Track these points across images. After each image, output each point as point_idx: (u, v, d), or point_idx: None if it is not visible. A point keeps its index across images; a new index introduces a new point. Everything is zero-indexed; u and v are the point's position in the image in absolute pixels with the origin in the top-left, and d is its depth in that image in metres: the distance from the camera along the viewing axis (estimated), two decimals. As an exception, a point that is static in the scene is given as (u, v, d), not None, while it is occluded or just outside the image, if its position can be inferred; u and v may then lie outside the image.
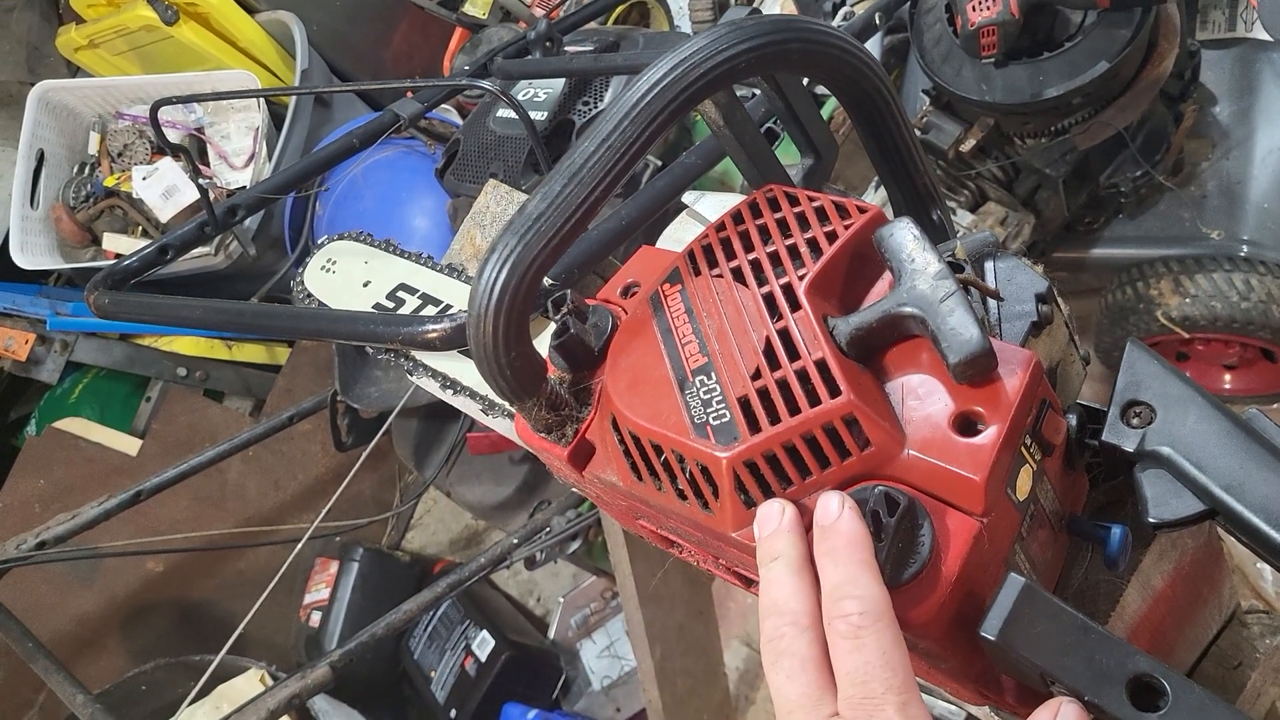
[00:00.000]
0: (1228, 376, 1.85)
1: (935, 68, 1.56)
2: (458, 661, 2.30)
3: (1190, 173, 1.71)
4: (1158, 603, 0.75)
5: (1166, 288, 1.64)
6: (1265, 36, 1.70)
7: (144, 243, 2.49)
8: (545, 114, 1.75)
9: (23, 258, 2.46)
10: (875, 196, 1.70)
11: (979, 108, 1.55)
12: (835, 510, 0.54)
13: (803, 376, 0.57)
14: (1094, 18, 1.45)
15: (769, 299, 0.61)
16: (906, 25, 1.66)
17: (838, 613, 0.52)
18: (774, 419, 0.57)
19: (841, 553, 0.53)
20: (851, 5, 1.69)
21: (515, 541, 1.80)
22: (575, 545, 1.91)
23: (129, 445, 2.48)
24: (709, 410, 0.59)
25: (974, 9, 1.43)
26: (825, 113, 1.75)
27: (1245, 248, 1.63)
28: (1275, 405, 1.85)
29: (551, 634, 2.35)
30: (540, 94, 1.80)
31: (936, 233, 0.78)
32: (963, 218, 1.73)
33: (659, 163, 1.80)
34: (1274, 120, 1.69)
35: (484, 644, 2.27)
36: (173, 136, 2.56)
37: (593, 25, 2.04)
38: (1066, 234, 1.79)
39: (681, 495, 0.61)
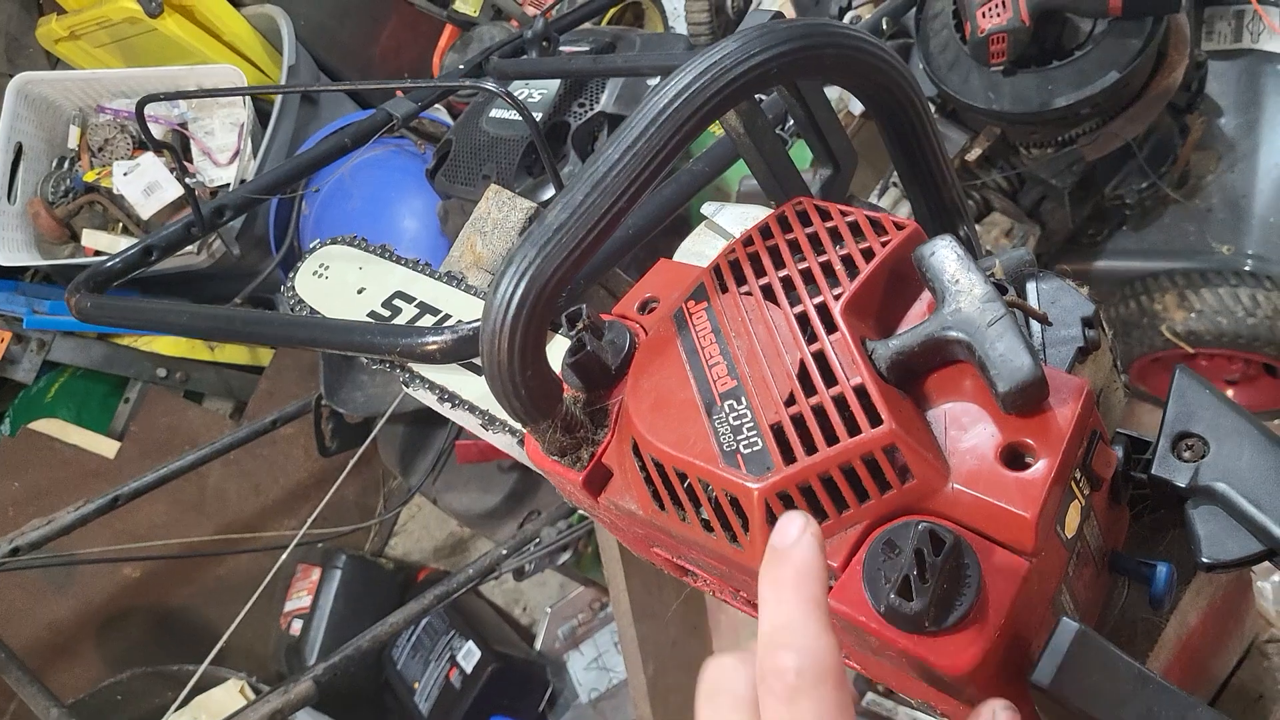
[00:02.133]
0: (1230, 392, 1.83)
1: (941, 75, 1.53)
2: (442, 673, 2.26)
3: (1196, 185, 1.69)
4: (1190, 639, 0.72)
5: (1171, 302, 1.62)
6: (1271, 48, 1.68)
7: (124, 240, 2.45)
8: (540, 115, 1.71)
9: (-1, 253, 2.40)
10: (879, 204, 1.67)
11: (985, 116, 1.52)
12: (794, 533, 0.46)
13: (840, 403, 0.54)
14: (1104, 26, 1.43)
15: (803, 319, 0.57)
16: (910, 31, 1.64)
17: (771, 664, 0.44)
18: (810, 448, 0.53)
19: (788, 585, 0.45)
20: (857, 8, 1.67)
21: (504, 553, 1.76)
22: (565, 556, 1.87)
23: (106, 447, 2.43)
24: (739, 437, 0.55)
25: (984, 15, 1.40)
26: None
27: (1251, 262, 1.61)
28: (1276, 421, 1.83)
29: (538, 645, 2.31)
30: (535, 94, 1.76)
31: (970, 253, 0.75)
32: (967, 228, 1.70)
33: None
34: None
35: (469, 655, 2.23)
36: (156, 132, 2.50)
37: (587, 26, 2.01)
38: (1070, 246, 1.77)
39: (708, 527, 0.57)
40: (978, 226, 1.69)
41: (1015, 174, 1.62)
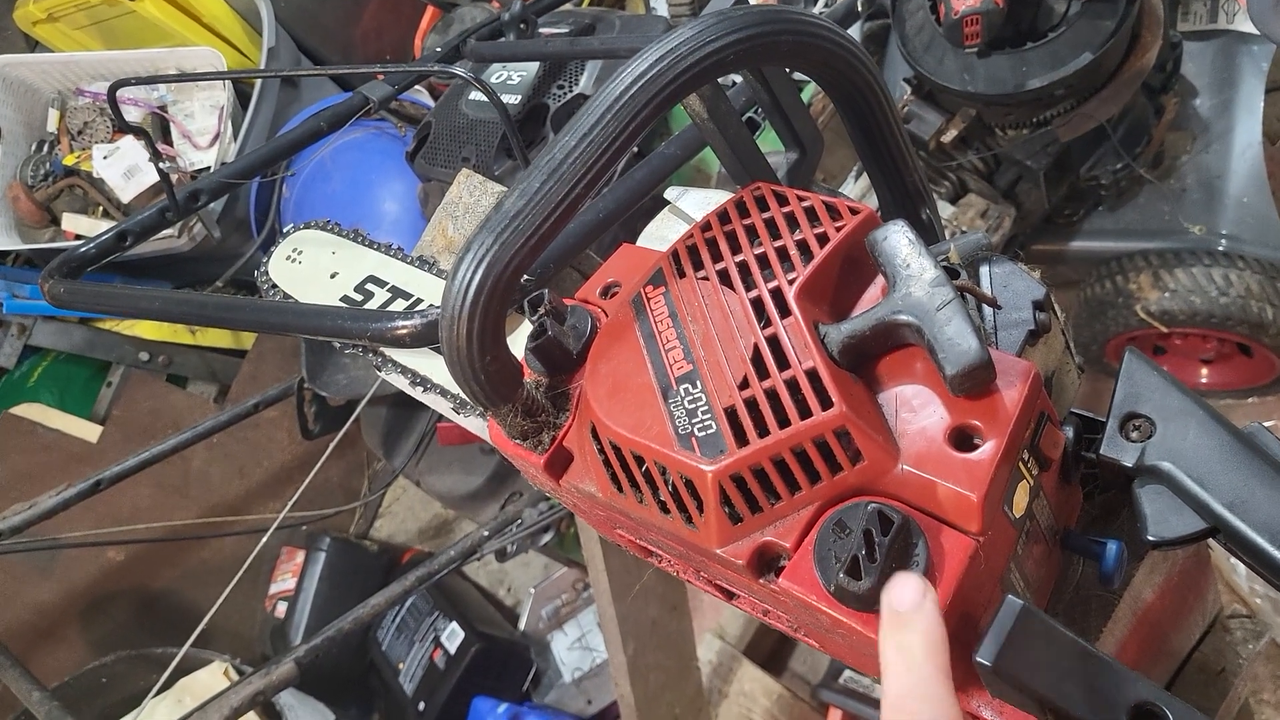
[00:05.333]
0: (1204, 371, 1.85)
1: (917, 56, 1.53)
2: (426, 653, 2.27)
3: (1170, 166, 1.70)
4: (1147, 614, 0.73)
5: (1146, 282, 1.63)
6: (1246, 29, 1.69)
7: (105, 223, 2.44)
8: (519, 97, 1.71)
9: (-22, 238, 2.40)
10: (854, 187, 1.68)
11: (961, 98, 1.53)
12: (914, 599, 0.48)
13: (792, 386, 0.55)
14: (1078, 8, 1.43)
15: (757, 304, 0.58)
16: (887, 12, 1.64)
17: (897, 716, 0.47)
18: (762, 431, 0.54)
19: (917, 654, 0.47)
20: (833, -9, 1.66)
21: (486, 534, 1.77)
22: (547, 537, 1.88)
23: (89, 432, 2.42)
24: (694, 421, 0.56)
25: (958, -3, 1.41)
26: (804, 98, 1.72)
27: (1224, 242, 1.63)
28: (1250, 399, 1.85)
29: (522, 625, 2.32)
30: (514, 77, 1.76)
31: (926, 233, 0.76)
32: (943, 209, 1.71)
33: (634, 148, 1.77)
34: (1253, 113, 1.68)
35: (453, 636, 2.24)
36: (135, 115, 2.49)
37: (568, 7, 2.00)
38: (1046, 226, 1.78)
39: (664, 509, 0.58)
40: (953, 208, 1.70)
41: (991, 155, 1.63)
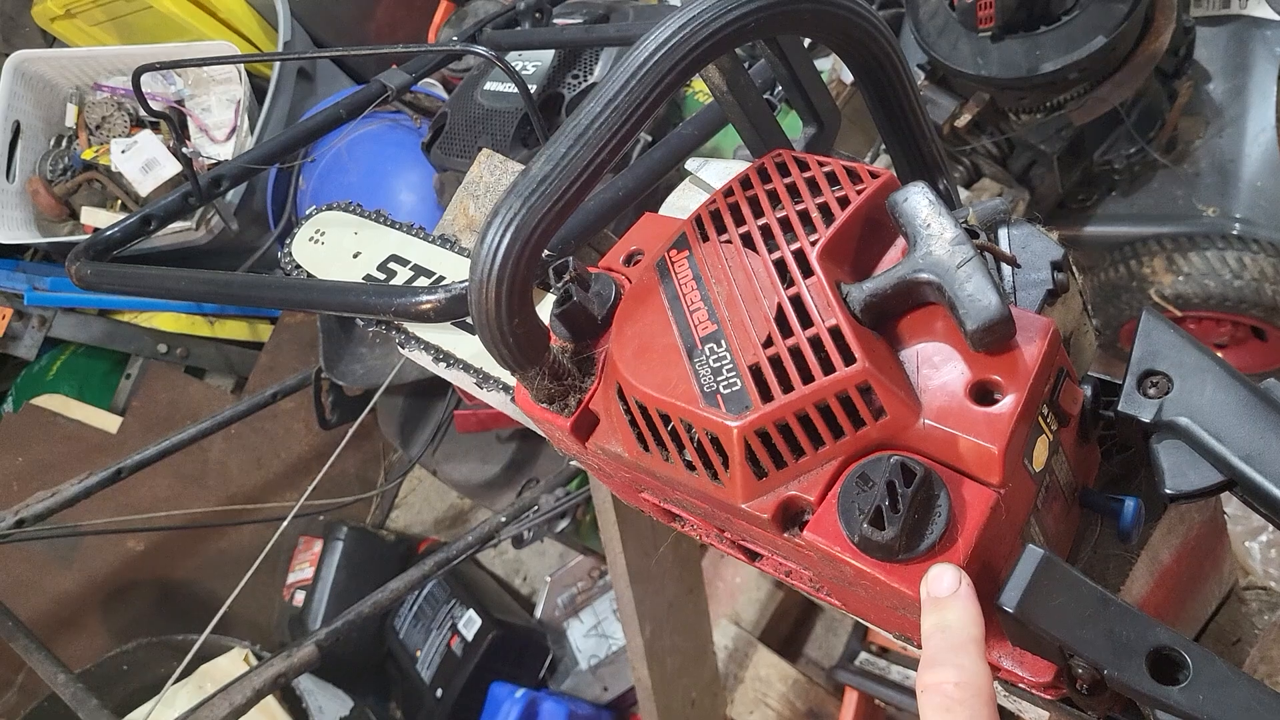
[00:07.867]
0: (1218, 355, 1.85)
1: (931, 41, 1.54)
2: (443, 641, 2.28)
3: (1184, 150, 1.70)
4: (1164, 577, 0.74)
5: (1160, 266, 1.63)
6: (1260, 13, 1.69)
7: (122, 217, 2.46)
8: (534, 87, 1.72)
9: (-1, 231, 2.42)
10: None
11: (975, 82, 1.54)
12: (950, 586, 0.52)
13: (816, 344, 0.56)
14: (1091, -9, 1.44)
15: (780, 265, 0.59)
16: (900, -1, 1.65)
17: (933, 679, 0.49)
18: (787, 387, 0.55)
19: (953, 628, 0.51)
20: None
21: (503, 520, 1.78)
22: (563, 524, 1.89)
23: (109, 422, 2.45)
24: (719, 379, 0.57)
25: (971, -19, 1.42)
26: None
27: (1238, 226, 1.63)
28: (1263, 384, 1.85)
29: (538, 613, 2.34)
30: (529, 67, 1.77)
31: (944, 200, 0.77)
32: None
33: (649, 138, 1.78)
34: (1267, 98, 1.69)
35: (470, 623, 2.25)
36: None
37: (582, -2, 2.01)
38: (1060, 211, 1.79)
39: (690, 466, 0.59)
40: (968, 192, 1.70)
41: (1004, 140, 1.64)
